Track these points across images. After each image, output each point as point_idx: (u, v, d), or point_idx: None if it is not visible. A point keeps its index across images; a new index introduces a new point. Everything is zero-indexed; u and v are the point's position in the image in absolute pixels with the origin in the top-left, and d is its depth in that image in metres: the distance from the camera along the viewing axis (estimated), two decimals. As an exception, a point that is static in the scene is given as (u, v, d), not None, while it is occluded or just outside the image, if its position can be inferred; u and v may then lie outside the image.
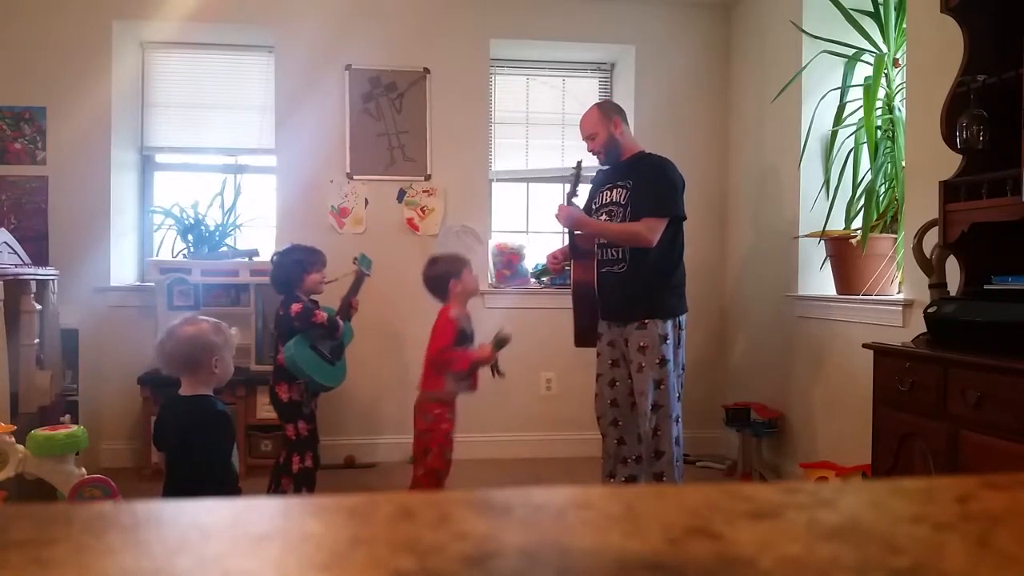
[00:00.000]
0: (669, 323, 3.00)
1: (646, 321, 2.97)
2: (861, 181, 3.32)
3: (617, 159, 3.14)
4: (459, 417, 2.91)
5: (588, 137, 3.17)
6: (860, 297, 3.15)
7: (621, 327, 3.05)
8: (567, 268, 3.28)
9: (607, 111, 3.19)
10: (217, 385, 2.21)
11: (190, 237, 4.10)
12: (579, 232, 3.11)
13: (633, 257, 3.00)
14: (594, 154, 3.20)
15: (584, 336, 3.15)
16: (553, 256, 3.24)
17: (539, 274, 4.32)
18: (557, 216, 3.09)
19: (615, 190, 3.09)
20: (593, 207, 3.19)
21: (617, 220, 3.03)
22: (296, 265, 3.07)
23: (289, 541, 0.33)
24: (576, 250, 3.12)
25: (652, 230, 2.96)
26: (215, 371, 2.15)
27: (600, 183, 3.23)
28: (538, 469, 3.99)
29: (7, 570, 0.29)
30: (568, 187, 3.18)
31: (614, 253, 3.04)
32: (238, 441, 2.65)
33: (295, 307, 2.98)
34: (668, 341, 2.99)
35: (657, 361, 2.96)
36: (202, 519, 0.35)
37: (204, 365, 2.14)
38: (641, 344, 2.97)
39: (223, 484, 2.13)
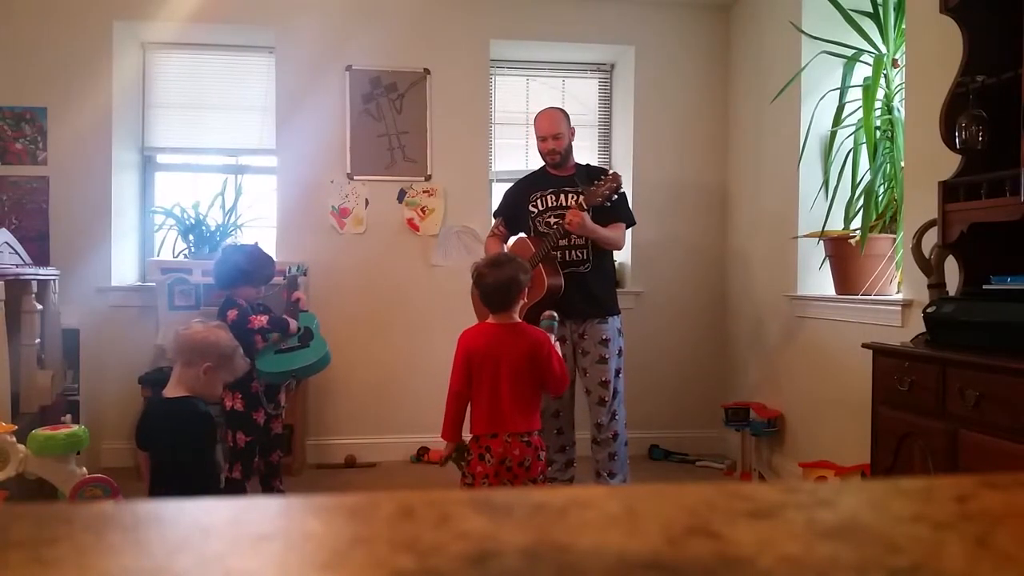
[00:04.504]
0: (619, 318, 3.29)
1: (607, 316, 3.21)
2: (860, 181, 3.32)
3: (563, 166, 3.30)
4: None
5: (555, 136, 3.26)
6: (859, 297, 3.15)
7: (578, 323, 3.20)
8: None
9: (569, 118, 3.35)
10: (202, 395, 2.28)
11: (191, 237, 4.10)
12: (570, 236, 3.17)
13: (596, 259, 3.21)
14: (549, 154, 3.29)
15: None
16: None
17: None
18: (572, 221, 3.05)
19: (567, 195, 3.25)
20: (536, 209, 3.29)
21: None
22: (235, 272, 3.00)
23: (290, 541, 0.33)
24: (546, 255, 3.15)
25: (624, 236, 3.32)
26: (201, 377, 2.24)
27: (539, 186, 3.31)
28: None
29: (8, 570, 0.29)
30: (583, 195, 3.13)
31: (579, 255, 3.20)
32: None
33: (231, 314, 2.87)
34: (621, 333, 3.29)
35: (617, 352, 3.22)
36: (203, 519, 0.36)
37: (195, 366, 2.24)
38: (604, 337, 3.19)
39: (208, 479, 2.25)
